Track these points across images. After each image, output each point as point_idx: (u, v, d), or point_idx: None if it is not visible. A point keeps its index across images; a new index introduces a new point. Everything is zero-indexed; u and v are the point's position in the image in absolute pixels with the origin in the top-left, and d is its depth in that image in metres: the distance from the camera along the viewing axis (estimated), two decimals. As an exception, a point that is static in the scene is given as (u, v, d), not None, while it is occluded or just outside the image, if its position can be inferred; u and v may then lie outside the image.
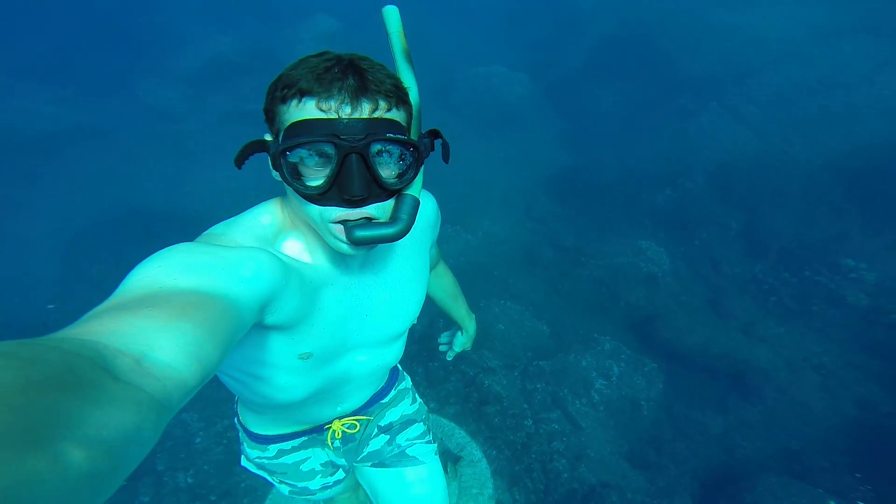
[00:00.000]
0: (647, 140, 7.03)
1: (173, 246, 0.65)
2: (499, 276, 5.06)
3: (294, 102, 0.66)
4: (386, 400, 1.35)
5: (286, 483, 1.32)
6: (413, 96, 0.76)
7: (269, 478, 1.34)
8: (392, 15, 0.85)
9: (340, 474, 1.38)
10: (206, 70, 8.68)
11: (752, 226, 5.36)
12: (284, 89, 0.67)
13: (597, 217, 5.88)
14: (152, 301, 0.51)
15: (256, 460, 1.28)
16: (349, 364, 1.02)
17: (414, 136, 0.76)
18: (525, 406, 3.61)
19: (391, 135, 0.67)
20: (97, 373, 0.37)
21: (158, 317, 0.48)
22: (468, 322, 1.55)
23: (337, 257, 0.85)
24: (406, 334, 1.13)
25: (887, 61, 6.63)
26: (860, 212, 5.16)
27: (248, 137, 0.73)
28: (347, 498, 1.59)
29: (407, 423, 1.38)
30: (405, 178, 0.73)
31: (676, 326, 4.32)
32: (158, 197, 6.19)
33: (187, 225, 5.37)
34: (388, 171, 0.71)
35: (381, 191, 0.71)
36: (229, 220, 0.81)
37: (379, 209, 0.73)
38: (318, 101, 0.65)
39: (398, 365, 1.42)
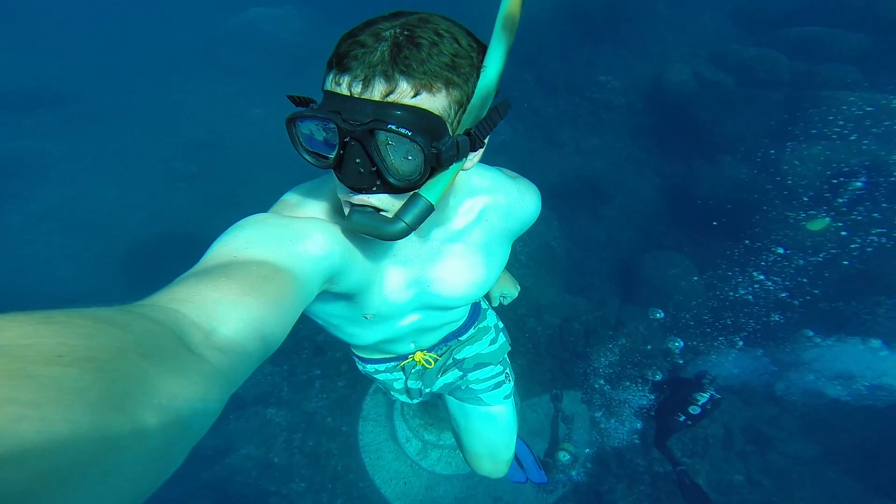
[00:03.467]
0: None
1: (250, 217, 0.69)
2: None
3: (328, 69, 0.62)
4: (464, 338, 1.39)
5: (381, 387, 1.52)
6: (487, 78, 0.63)
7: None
8: None
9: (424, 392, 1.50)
10: None
11: (542, 78, 6.08)
12: (332, 53, 0.62)
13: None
14: (227, 271, 0.54)
15: (360, 369, 1.46)
16: (413, 320, 1.06)
17: (465, 126, 0.64)
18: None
19: (393, 126, 0.57)
20: (174, 343, 0.39)
21: (231, 289, 0.50)
22: (510, 288, 1.59)
23: None
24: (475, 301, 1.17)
25: None
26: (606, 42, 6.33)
27: None
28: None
29: (481, 364, 1.43)
30: (413, 178, 0.63)
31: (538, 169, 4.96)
32: None
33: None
34: (394, 166, 0.63)
35: (383, 184, 0.64)
36: (305, 186, 0.83)
37: (385, 200, 0.68)
38: (337, 75, 0.60)
39: (482, 302, 1.47)
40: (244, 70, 7.47)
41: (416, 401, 1.51)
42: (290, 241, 0.65)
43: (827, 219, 3.56)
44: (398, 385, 1.45)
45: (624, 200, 4.91)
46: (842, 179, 3.91)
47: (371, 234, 0.67)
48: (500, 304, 1.57)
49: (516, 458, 2.15)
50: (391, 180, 0.63)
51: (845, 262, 3.71)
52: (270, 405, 3.74)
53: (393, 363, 1.36)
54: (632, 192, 4.96)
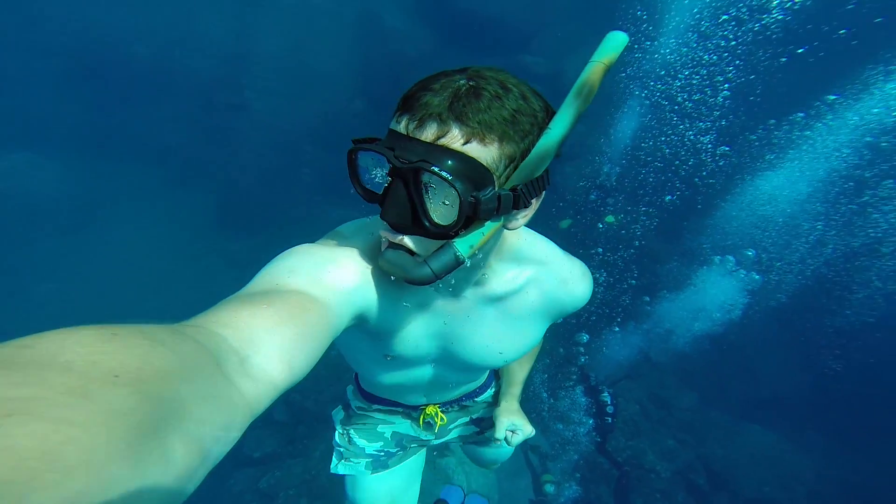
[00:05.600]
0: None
1: (297, 246, 0.73)
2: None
3: (395, 109, 0.65)
4: (480, 399, 1.38)
5: (349, 437, 1.37)
6: (548, 139, 0.64)
7: (339, 427, 1.40)
8: (609, 42, 0.70)
9: (404, 451, 1.41)
10: None
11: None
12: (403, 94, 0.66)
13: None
14: (268, 298, 0.57)
15: (354, 409, 1.38)
16: (430, 372, 1.05)
17: (514, 182, 0.65)
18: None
19: (436, 168, 0.59)
20: (212, 367, 0.42)
21: (270, 317, 0.54)
22: (513, 402, 1.38)
23: (441, 281, 0.76)
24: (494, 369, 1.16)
25: None
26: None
27: None
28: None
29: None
30: (447, 224, 0.64)
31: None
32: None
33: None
34: (431, 208, 0.64)
35: (418, 226, 0.65)
36: (359, 221, 0.85)
37: (419, 243, 0.68)
38: (399, 114, 0.64)
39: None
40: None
41: (369, 461, 1.38)
42: (330, 274, 0.68)
43: (611, 217, 5.12)
44: (381, 429, 1.37)
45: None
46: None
47: (397, 273, 0.67)
48: (507, 439, 1.32)
49: None
50: (425, 223, 0.64)
51: (636, 243, 5.28)
52: None
53: (400, 410, 1.34)
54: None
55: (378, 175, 0.68)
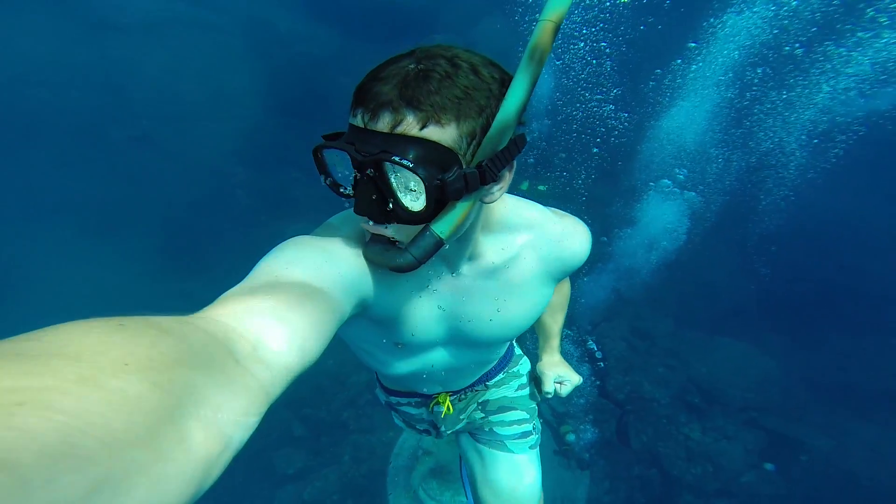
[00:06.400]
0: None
1: (292, 238, 0.71)
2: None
3: (351, 102, 0.65)
4: (491, 382, 1.34)
5: (400, 418, 1.45)
6: (505, 110, 0.62)
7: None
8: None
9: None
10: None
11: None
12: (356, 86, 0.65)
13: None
14: (271, 290, 0.56)
15: (386, 404, 1.43)
16: (445, 356, 1.03)
17: (481, 158, 0.64)
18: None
19: (396, 158, 0.59)
20: (224, 355, 0.42)
21: (276, 306, 0.52)
22: (554, 354, 1.39)
23: (434, 262, 0.79)
24: (508, 341, 1.10)
25: None
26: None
27: None
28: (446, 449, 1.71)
29: (505, 408, 1.36)
30: (419, 210, 0.64)
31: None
32: None
33: None
34: (400, 197, 0.64)
35: (392, 215, 0.66)
36: (347, 212, 0.84)
37: (399, 231, 0.69)
38: (354, 107, 0.64)
39: (515, 346, 1.42)
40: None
41: (441, 437, 1.40)
42: (327, 264, 0.67)
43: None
44: (421, 420, 1.38)
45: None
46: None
47: (381, 264, 0.69)
48: (556, 392, 1.36)
49: None
50: (398, 211, 0.65)
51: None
52: None
53: (416, 400, 1.31)
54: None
55: (345, 170, 0.68)
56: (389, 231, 0.69)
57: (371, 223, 0.69)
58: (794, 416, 4.89)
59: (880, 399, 5.24)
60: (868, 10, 5.55)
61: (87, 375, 0.28)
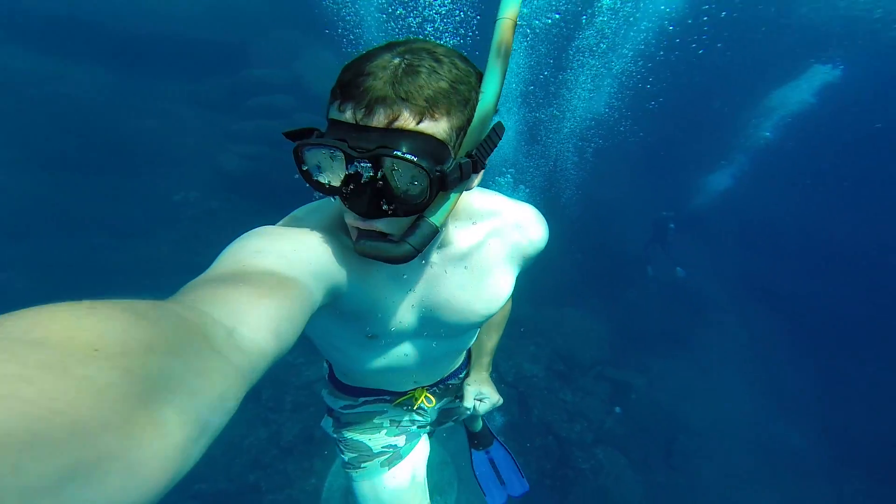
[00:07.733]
0: None
1: (258, 228, 0.72)
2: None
3: (332, 99, 0.65)
4: (462, 374, 1.41)
5: (349, 442, 1.31)
6: (485, 101, 0.66)
7: (336, 435, 1.35)
8: None
9: (407, 435, 1.36)
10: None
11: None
12: (335, 83, 0.65)
13: None
14: (240, 278, 0.55)
15: (340, 410, 1.31)
16: (417, 347, 1.03)
17: (467, 148, 0.67)
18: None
19: (399, 153, 0.60)
20: (199, 340, 0.41)
21: (249, 292, 0.52)
22: (482, 371, 1.42)
23: None
24: (478, 328, 1.13)
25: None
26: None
27: None
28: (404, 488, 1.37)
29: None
30: (419, 202, 0.65)
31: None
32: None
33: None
34: (401, 190, 0.65)
35: (390, 209, 0.66)
36: (312, 204, 0.85)
37: (391, 224, 0.70)
38: (341, 103, 0.63)
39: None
40: None
41: (383, 459, 1.32)
42: (295, 252, 0.66)
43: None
44: (378, 420, 1.31)
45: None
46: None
47: (379, 258, 0.69)
48: (475, 408, 1.39)
49: (496, 471, 1.96)
50: (398, 205, 0.66)
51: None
52: None
53: (388, 398, 1.28)
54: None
55: (329, 167, 0.66)
56: (380, 225, 0.69)
57: (361, 219, 0.69)
58: (621, 363, 6.21)
59: (664, 339, 7.11)
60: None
61: (53, 362, 0.27)
